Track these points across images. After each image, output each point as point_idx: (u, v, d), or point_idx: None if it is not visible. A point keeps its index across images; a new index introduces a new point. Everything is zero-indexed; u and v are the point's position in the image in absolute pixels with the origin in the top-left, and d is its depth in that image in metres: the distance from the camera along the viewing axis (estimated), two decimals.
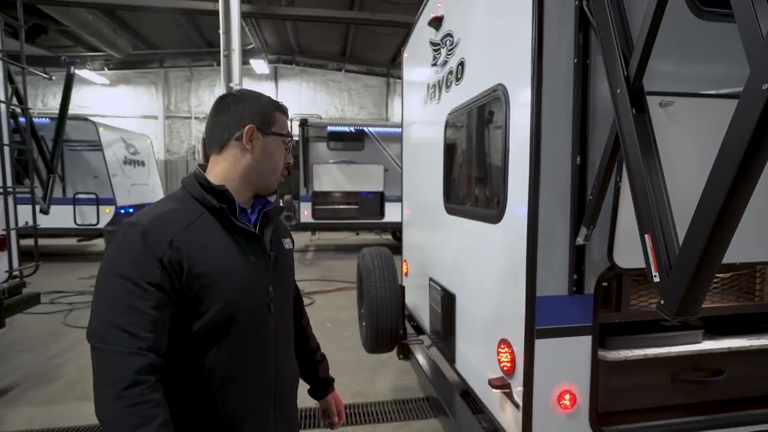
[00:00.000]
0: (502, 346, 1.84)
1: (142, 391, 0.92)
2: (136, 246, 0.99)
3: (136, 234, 1.01)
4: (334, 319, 5.74)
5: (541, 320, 1.65)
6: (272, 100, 1.23)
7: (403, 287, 3.00)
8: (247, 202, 1.20)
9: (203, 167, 1.20)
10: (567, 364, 1.69)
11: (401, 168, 11.55)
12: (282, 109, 1.23)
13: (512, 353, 1.77)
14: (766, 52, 0.90)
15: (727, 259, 1.69)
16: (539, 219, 1.64)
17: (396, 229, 11.59)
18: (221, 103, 1.19)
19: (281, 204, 1.30)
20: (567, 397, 1.68)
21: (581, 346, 1.70)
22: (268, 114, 1.18)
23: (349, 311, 6.11)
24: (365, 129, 10.47)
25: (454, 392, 2.38)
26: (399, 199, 11.86)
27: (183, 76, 16.91)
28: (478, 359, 2.15)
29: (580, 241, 1.62)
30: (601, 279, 1.69)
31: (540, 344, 1.65)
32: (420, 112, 3.32)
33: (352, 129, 10.52)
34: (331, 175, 10.21)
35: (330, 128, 10.45)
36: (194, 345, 1.06)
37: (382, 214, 10.57)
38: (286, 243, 1.31)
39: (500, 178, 1.88)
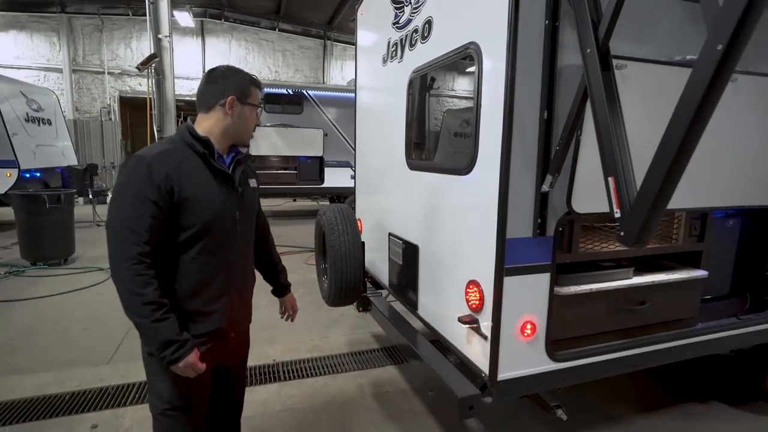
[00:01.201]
0: (470, 287, 2.03)
1: (144, 268, 1.38)
2: (143, 173, 1.40)
3: (143, 164, 1.41)
4: (304, 280, 5.71)
5: (509, 260, 1.84)
6: (250, 76, 1.62)
7: (363, 242, 3.10)
8: (224, 150, 1.60)
9: (193, 121, 1.58)
10: (529, 297, 1.92)
11: (341, 132, 11.36)
12: (257, 84, 1.64)
13: (481, 291, 1.96)
14: (721, 19, 1.09)
15: None
16: (510, 169, 1.80)
17: (335, 195, 11.58)
18: (210, 76, 1.58)
19: (250, 154, 1.64)
20: (529, 326, 1.92)
21: (541, 282, 1.93)
22: (246, 88, 1.58)
23: (295, 274, 6.12)
24: (304, 92, 10.17)
25: (418, 335, 2.56)
26: (339, 165, 11.74)
27: (92, 25, 15.02)
28: (444, 302, 2.33)
29: (545, 188, 1.81)
30: (559, 223, 1.91)
31: (508, 281, 1.85)
32: (378, 72, 3.35)
33: (290, 91, 10.17)
34: (269, 139, 9.86)
35: (267, 90, 9.99)
36: (184, 247, 1.49)
37: (321, 179, 10.49)
38: (252, 182, 1.73)
39: (471, 132, 2.01)
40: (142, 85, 14.67)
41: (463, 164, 2.10)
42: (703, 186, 2.10)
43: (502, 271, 1.83)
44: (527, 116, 1.80)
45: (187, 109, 13.67)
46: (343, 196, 10.77)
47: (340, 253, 2.79)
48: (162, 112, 6.81)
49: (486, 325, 1.94)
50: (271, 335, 4.05)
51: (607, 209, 1.93)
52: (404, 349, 2.55)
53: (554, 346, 2.01)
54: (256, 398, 2.99)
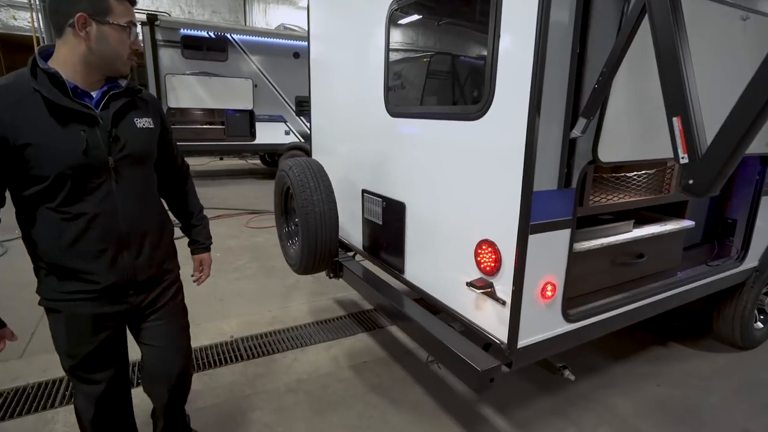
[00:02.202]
0: (483, 248, 1.80)
1: None
2: None
3: None
4: (222, 248, 5.18)
5: (535, 215, 1.63)
6: None
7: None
8: (92, 84, 1.32)
9: (50, 48, 1.30)
10: (551, 256, 1.75)
11: (272, 83, 10.46)
12: None
13: (497, 252, 1.74)
14: None
15: (660, 155, 1.86)
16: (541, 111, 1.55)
17: (268, 152, 10.81)
18: None
19: (138, 87, 1.46)
20: (549, 288, 1.75)
21: (562, 239, 1.75)
22: (101, 2, 1.25)
23: (236, 239, 5.59)
24: (229, 36, 9.05)
25: (404, 298, 2.33)
26: (271, 119, 10.91)
27: None
28: (443, 265, 2.10)
29: (576, 133, 1.60)
30: (582, 173, 1.73)
31: (533, 240, 1.64)
32: (341, 7, 2.88)
33: (212, 35, 8.99)
34: (190, 90, 8.75)
35: (184, 32, 8.74)
36: (41, 200, 1.28)
37: (252, 135, 9.64)
38: (141, 122, 1.43)
39: (485, 70, 1.72)
40: (18, 20, 12.23)
41: (473, 108, 1.81)
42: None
43: (527, 229, 1.62)
44: (559, 49, 1.54)
45: None
46: (278, 154, 10.06)
47: (314, 214, 2.42)
48: None
49: (503, 289, 1.75)
50: (222, 309, 3.62)
51: (633, 158, 1.79)
52: (395, 315, 2.31)
53: (566, 305, 1.89)
54: (220, 383, 2.62)
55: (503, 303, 1.75)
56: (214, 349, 3.00)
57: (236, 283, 4.19)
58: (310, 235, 2.45)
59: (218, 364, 2.82)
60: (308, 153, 11.62)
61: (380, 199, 2.57)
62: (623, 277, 2.22)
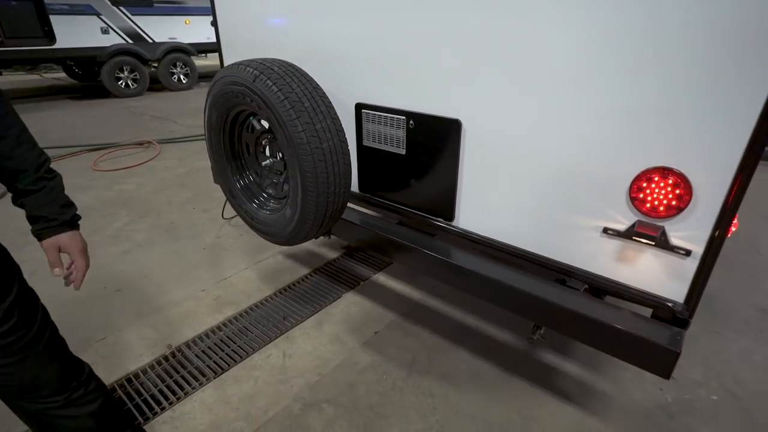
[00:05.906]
0: (655, 179, 1.23)
1: None
2: None
3: None
4: (116, 197, 3.57)
5: None
6: None
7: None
8: None
9: None
10: None
11: None
12: None
13: (685, 186, 1.19)
14: None
15: None
16: None
17: (78, 61, 7.98)
18: None
19: None
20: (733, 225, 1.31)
21: None
22: None
23: (91, 190, 3.95)
24: None
25: (452, 248, 1.70)
26: (73, 10, 8.06)
27: None
28: (547, 206, 1.47)
29: None
30: None
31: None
32: None
33: None
34: None
35: None
36: None
37: (48, 36, 6.83)
38: None
39: None
40: None
41: None
42: None
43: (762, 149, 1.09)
44: None
45: None
46: (99, 62, 7.45)
47: (321, 153, 1.48)
48: None
49: (687, 234, 1.24)
50: (127, 304, 2.44)
51: None
52: (461, 279, 1.65)
53: None
54: (196, 427, 1.70)
55: (685, 253, 1.25)
56: (153, 372, 1.96)
57: (128, 258, 2.90)
58: (320, 187, 1.52)
59: (174, 396, 1.85)
60: (143, 59, 9.07)
61: (402, 117, 1.72)
62: None
